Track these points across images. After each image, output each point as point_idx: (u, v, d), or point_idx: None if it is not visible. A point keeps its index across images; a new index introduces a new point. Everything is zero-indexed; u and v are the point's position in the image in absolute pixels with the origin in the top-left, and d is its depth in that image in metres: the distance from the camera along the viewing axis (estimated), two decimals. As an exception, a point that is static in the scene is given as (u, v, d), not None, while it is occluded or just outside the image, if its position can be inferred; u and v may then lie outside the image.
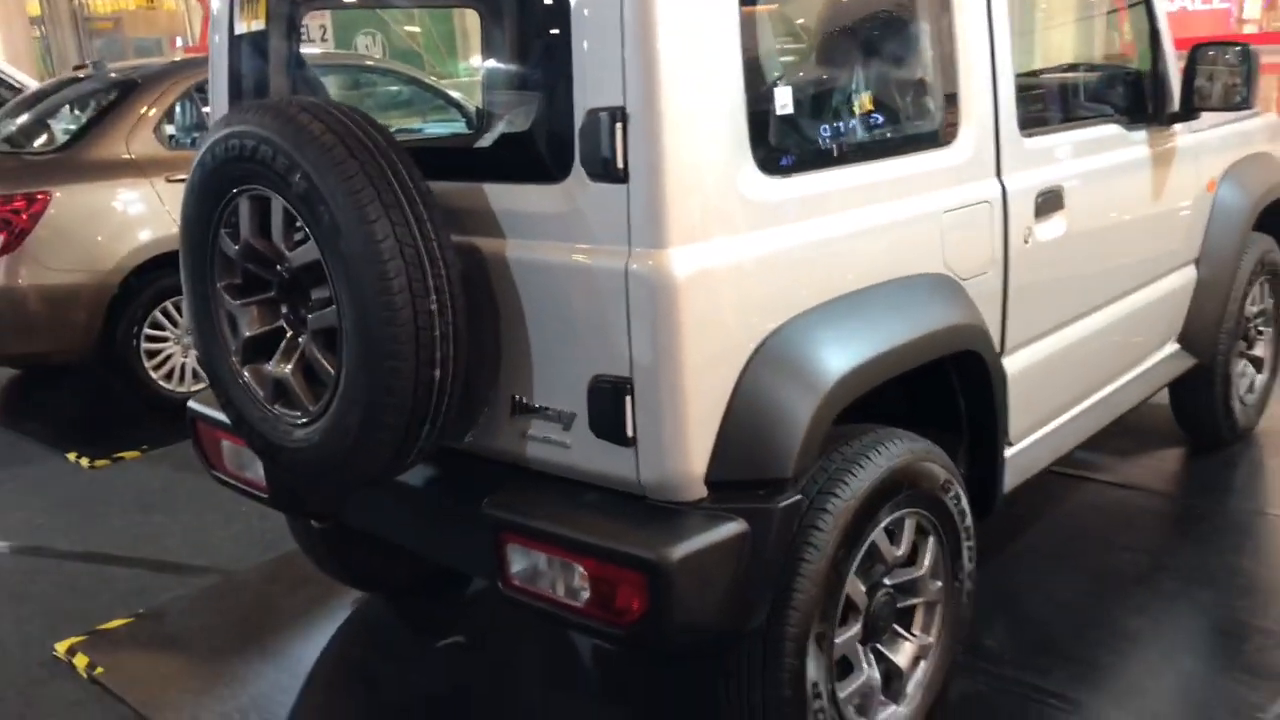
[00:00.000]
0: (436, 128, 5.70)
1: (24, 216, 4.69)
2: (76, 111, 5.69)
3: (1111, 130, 3.08)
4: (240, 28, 2.65)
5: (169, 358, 5.05)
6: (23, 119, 5.70)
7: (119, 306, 4.86)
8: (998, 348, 2.63)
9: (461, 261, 2.07)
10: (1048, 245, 2.73)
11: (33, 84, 7.94)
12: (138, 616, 3.34)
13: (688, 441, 1.96)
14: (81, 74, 5.90)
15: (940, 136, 2.44)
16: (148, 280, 4.89)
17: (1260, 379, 4.11)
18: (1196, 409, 3.89)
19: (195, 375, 5.04)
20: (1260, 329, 4.05)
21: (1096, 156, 2.98)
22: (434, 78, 6.49)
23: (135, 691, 2.95)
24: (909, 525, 2.33)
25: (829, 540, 2.07)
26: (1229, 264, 3.62)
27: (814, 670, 2.13)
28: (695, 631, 1.97)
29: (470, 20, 2.98)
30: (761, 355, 2.02)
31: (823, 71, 2.45)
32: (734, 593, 1.97)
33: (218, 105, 2.75)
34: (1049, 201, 2.72)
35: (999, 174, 2.56)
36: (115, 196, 4.93)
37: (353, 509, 2.64)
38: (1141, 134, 3.17)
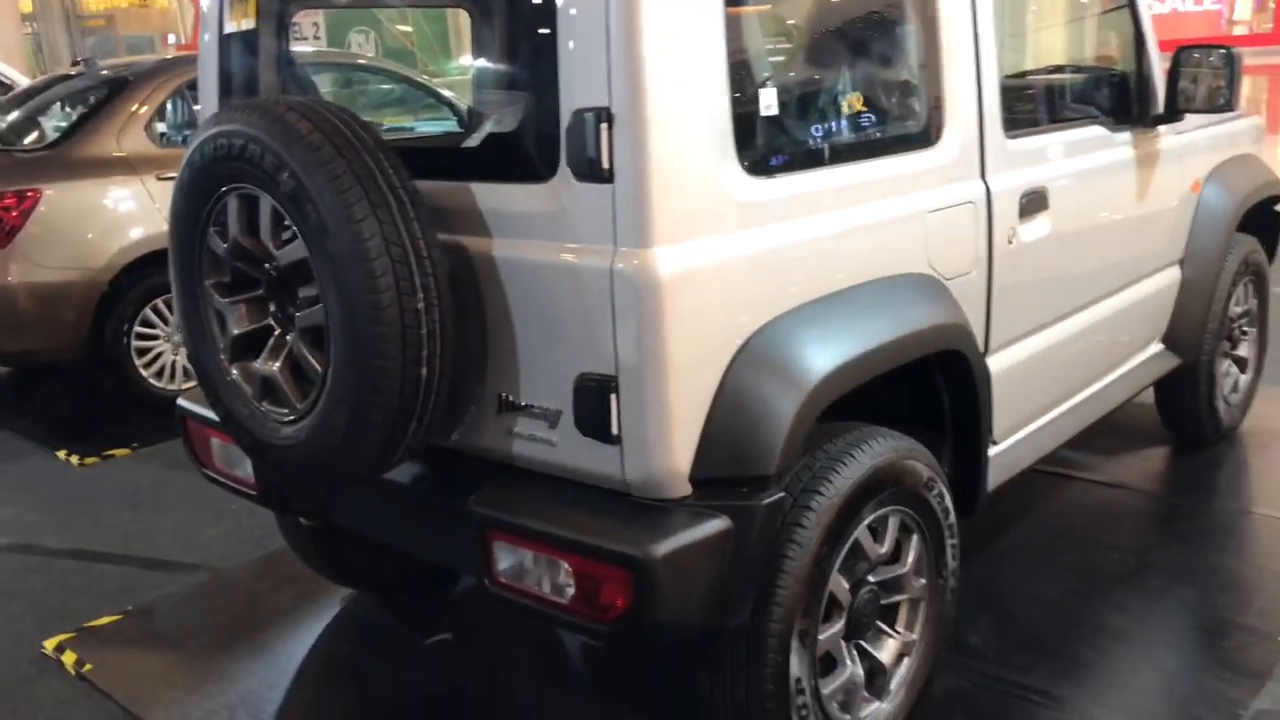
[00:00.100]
0: (428, 126, 5.70)
1: (14, 214, 4.69)
2: (67, 109, 5.69)
3: (1096, 132, 3.11)
4: (230, 26, 2.67)
5: (159, 355, 5.06)
6: (13, 116, 5.70)
7: (109, 304, 4.87)
8: (982, 347, 2.66)
9: (449, 260, 2.09)
10: (1032, 246, 2.75)
11: (24, 81, 7.94)
12: (126, 614, 3.35)
13: (672, 439, 1.98)
14: (74, 71, 5.89)
15: (925, 137, 2.46)
16: (138, 278, 4.89)
17: (1244, 379, 4.14)
18: (1181, 408, 3.92)
19: (186, 373, 5.04)
20: (1244, 329, 4.08)
21: (1081, 158, 3.00)
22: (426, 76, 6.49)
23: (123, 688, 2.96)
24: (892, 523, 2.35)
25: (812, 537, 2.09)
26: (1213, 265, 3.65)
27: (797, 666, 2.14)
28: (679, 628, 1.99)
29: (463, 19, 2.99)
30: (745, 354, 2.03)
31: (807, 72, 2.46)
32: (717, 589, 1.98)
33: (207, 104, 2.76)
34: (1033, 202, 2.74)
35: (983, 175, 2.58)
36: (106, 194, 4.93)
37: (340, 507, 2.65)
38: (1126, 135, 3.19)
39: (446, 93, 5.98)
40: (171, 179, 2.30)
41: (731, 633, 2.09)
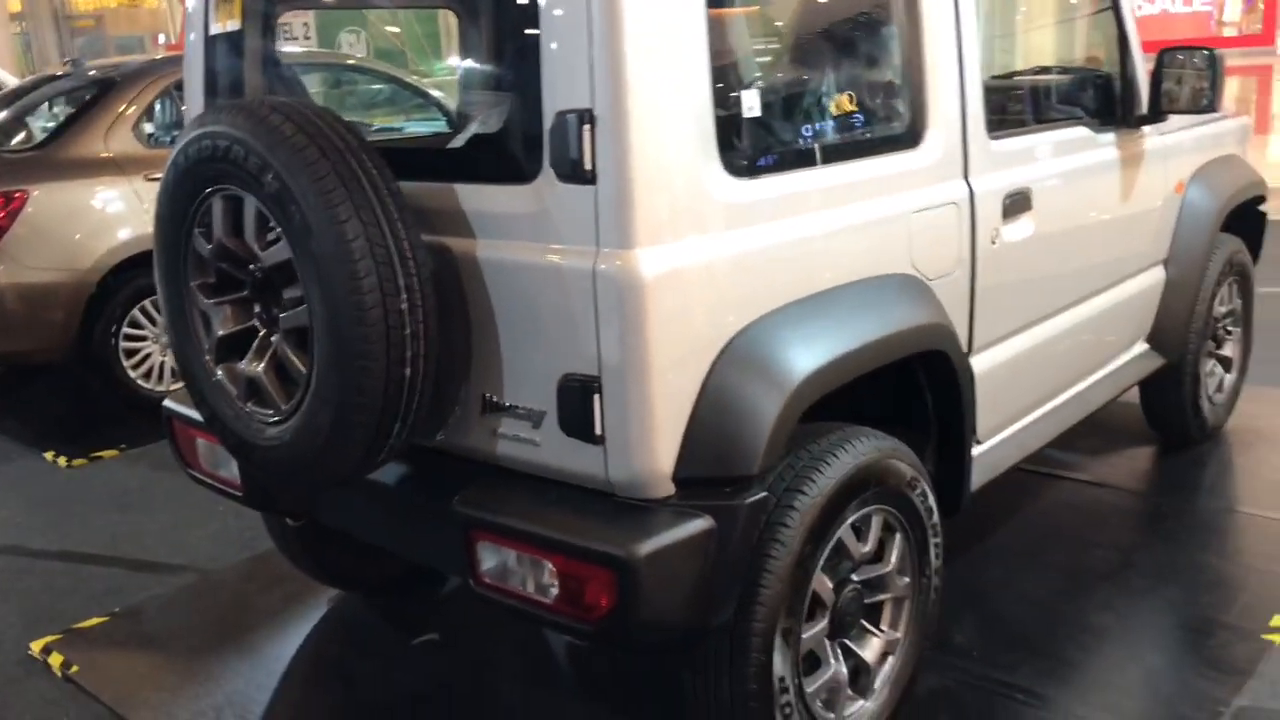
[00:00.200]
0: (417, 127, 5.70)
1: (1, 215, 4.68)
2: (55, 109, 5.68)
3: (1080, 133, 3.12)
4: (215, 27, 2.67)
5: (147, 357, 5.05)
6: (0, 117, 5.68)
7: (97, 305, 4.87)
8: (965, 347, 2.67)
9: (433, 261, 2.10)
10: (1015, 246, 2.77)
11: (12, 81, 7.92)
12: (113, 615, 3.35)
13: (655, 439, 1.99)
14: (62, 71, 5.89)
15: (908, 139, 2.47)
16: (126, 279, 4.89)
17: (1229, 378, 4.17)
18: (1166, 408, 3.94)
19: (174, 374, 5.04)
20: (1229, 329, 4.10)
21: (1064, 158, 3.02)
22: (416, 77, 6.49)
23: (110, 689, 2.96)
24: (876, 522, 2.36)
25: (795, 537, 2.10)
26: (1197, 265, 3.67)
27: (780, 665, 2.15)
28: (662, 627, 1.99)
29: (453, 21, 3.00)
30: (728, 354, 2.04)
31: (790, 74, 2.47)
32: (700, 589, 1.99)
33: (193, 105, 2.77)
34: (1016, 203, 2.75)
35: (966, 176, 2.60)
36: (93, 195, 4.93)
37: (326, 507, 2.65)
38: (1110, 136, 3.21)
39: (436, 93, 5.97)
40: (159, 180, 2.30)
41: (715, 632, 2.10)
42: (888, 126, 2.49)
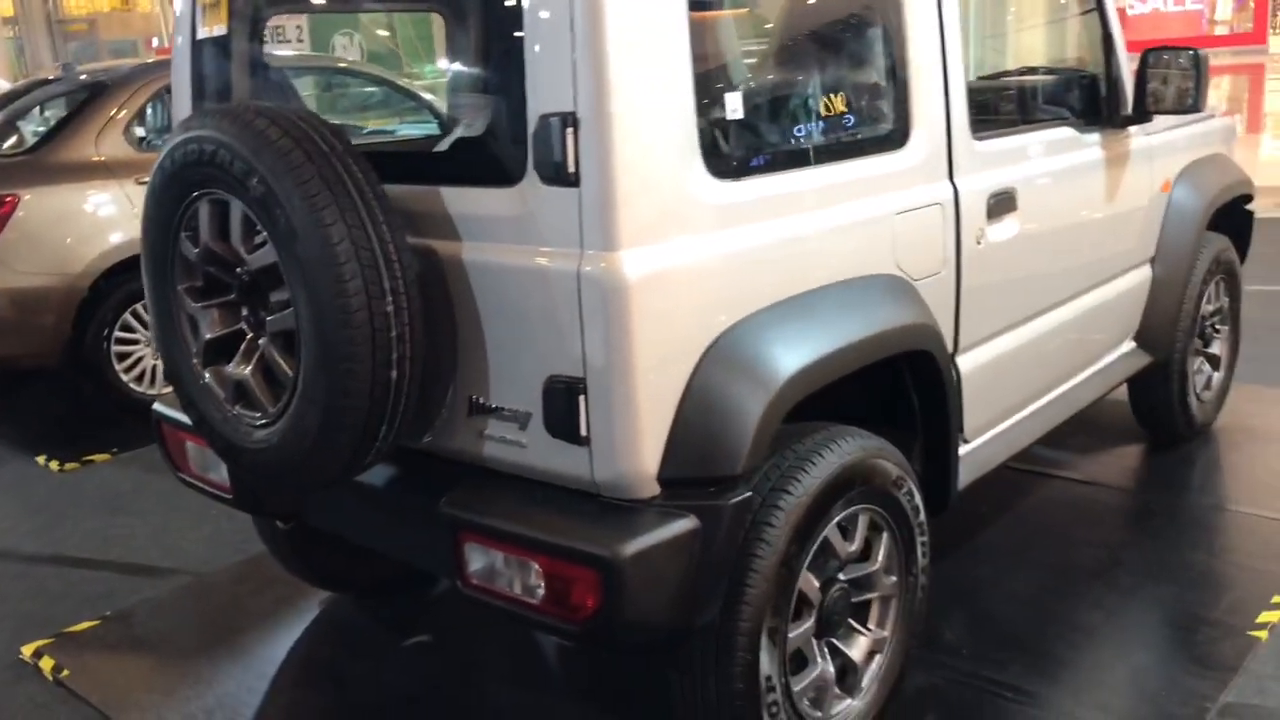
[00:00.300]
0: (410, 129, 5.71)
1: (-8, 219, 4.69)
2: (46, 113, 5.68)
3: (1065, 133, 3.14)
4: (202, 31, 2.67)
5: (139, 360, 5.05)
6: (-8, 121, 5.69)
7: (89, 309, 4.86)
8: (951, 347, 2.68)
9: (420, 264, 2.11)
10: (1000, 246, 2.78)
11: (4, 85, 7.92)
12: (105, 619, 3.35)
13: (640, 440, 2.00)
14: (53, 75, 5.89)
15: (892, 140, 2.48)
16: (117, 283, 4.88)
17: (1217, 376, 4.18)
18: (1154, 406, 3.95)
19: (165, 378, 5.04)
20: (1217, 327, 4.12)
21: (1050, 159, 3.03)
22: (408, 80, 6.50)
23: (100, 693, 2.96)
24: (862, 521, 2.38)
25: (781, 536, 2.11)
26: (1184, 263, 3.69)
27: (767, 664, 2.16)
28: (647, 627, 2.00)
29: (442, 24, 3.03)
30: (712, 355, 2.06)
31: (773, 76, 2.49)
32: (686, 588, 2.00)
33: (181, 109, 2.77)
34: (1001, 203, 2.77)
35: (951, 176, 2.61)
36: (85, 199, 4.93)
37: (316, 509, 2.66)
38: (1095, 136, 3.22)
39: (427, 96, 5.98)
40: (150, 183, 2.31)
41: (701, 631, 2.11)
42: (871, 128, 2.50)
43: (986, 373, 2.85)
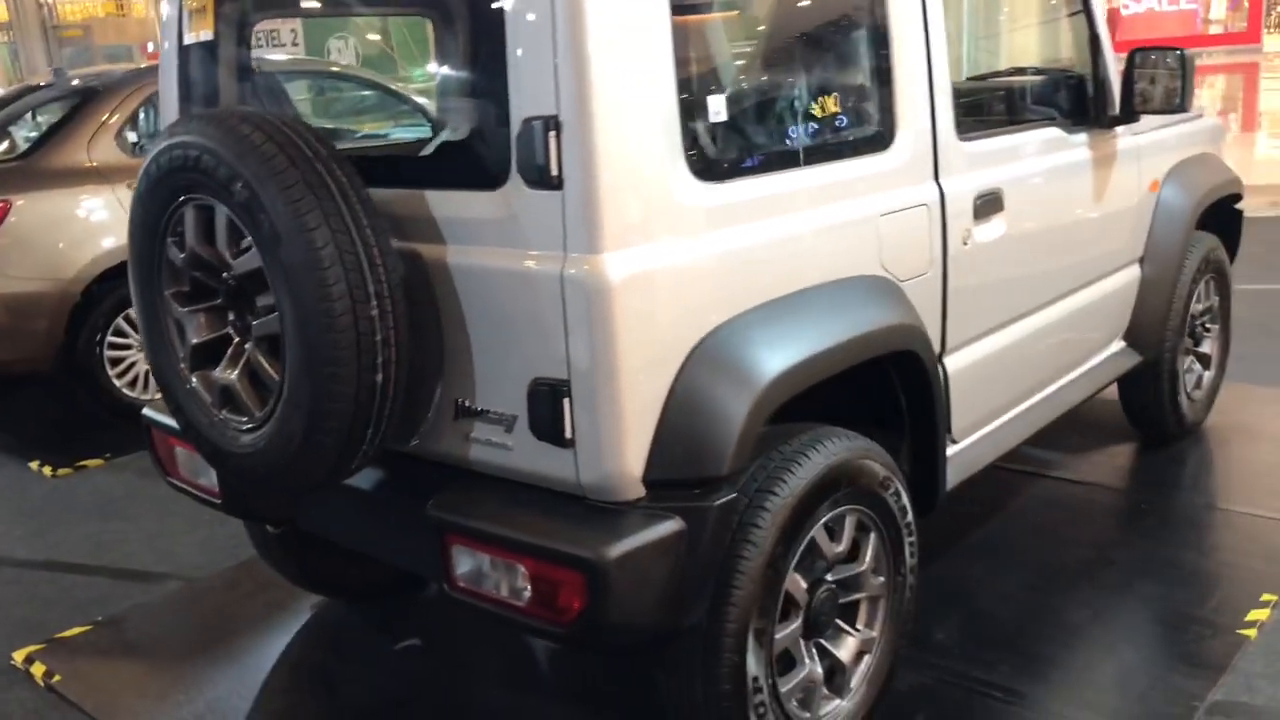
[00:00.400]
0: (403, 133, 5.71)
1: (-16, 225, 4.69)
2: (38, 119, 5.68)
3: (1052, 133, 3.14)
4: (189, 37, 2.68)
5: (132, 365, 5.05)
6: (-17, 127, 5.69)
7: (82, 314, 4.86)
8: (938, 347, 2.69)
9: (405, 268, 2.11)
10: (987, 246, 2.79)
11: (-1, 90, 7.92)
12: (97, 624, 3.35)
13: (624, 442, 2.00)
14: (44, 81, 5.89)
15: (877, 141, 2.49)
16: (110, 288, 4.88)
17: (1208, 375, 4.19)
18: (1145, 405, 3.96)
19: (159, 382, 5.04)
20: (1207, 326, 4.13)
21: (1036, 159, 3.04)
22: (400, 84, 6.50)
23: (92, 698, 2.96)
24: (849, 522, 2.38)
25: (767, 537, 2.12)
26: (1173, 263, 3.69)
27: (754, 665, 2.17)
28: (633, 629, 2.01)
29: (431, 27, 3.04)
30: (697, 357, 2.06)
31: (757, 78, 2.49)
32: (671, 590, 2.01)
33: (168, 113, 2.78)
34: (988, 204, 2.77)
35: (936, 177, 2.62)
36: (77, 204, 4.93)
37: (305, 513, 2.66)
38: (1082, 137, 3.23)
39: (419, 100, 5.99)
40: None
41: (687, 633, 2.12)
42: (856, 129, 2.51)
43: (974, 373, 2.85)
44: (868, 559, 2.45)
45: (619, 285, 1.94)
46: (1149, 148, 3.55)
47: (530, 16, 1.94)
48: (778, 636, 2.25)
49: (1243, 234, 4.24)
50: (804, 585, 2.31)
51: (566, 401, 2.01)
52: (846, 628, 2.46)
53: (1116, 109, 3.28)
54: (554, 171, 1.93)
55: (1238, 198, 4.07)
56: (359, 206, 2.03)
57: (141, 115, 5.34)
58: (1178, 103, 3.20)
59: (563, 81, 1.91)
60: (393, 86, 6.15)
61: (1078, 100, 3.28)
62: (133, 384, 5.06)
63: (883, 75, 2.49)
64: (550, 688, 3.03)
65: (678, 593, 2.02)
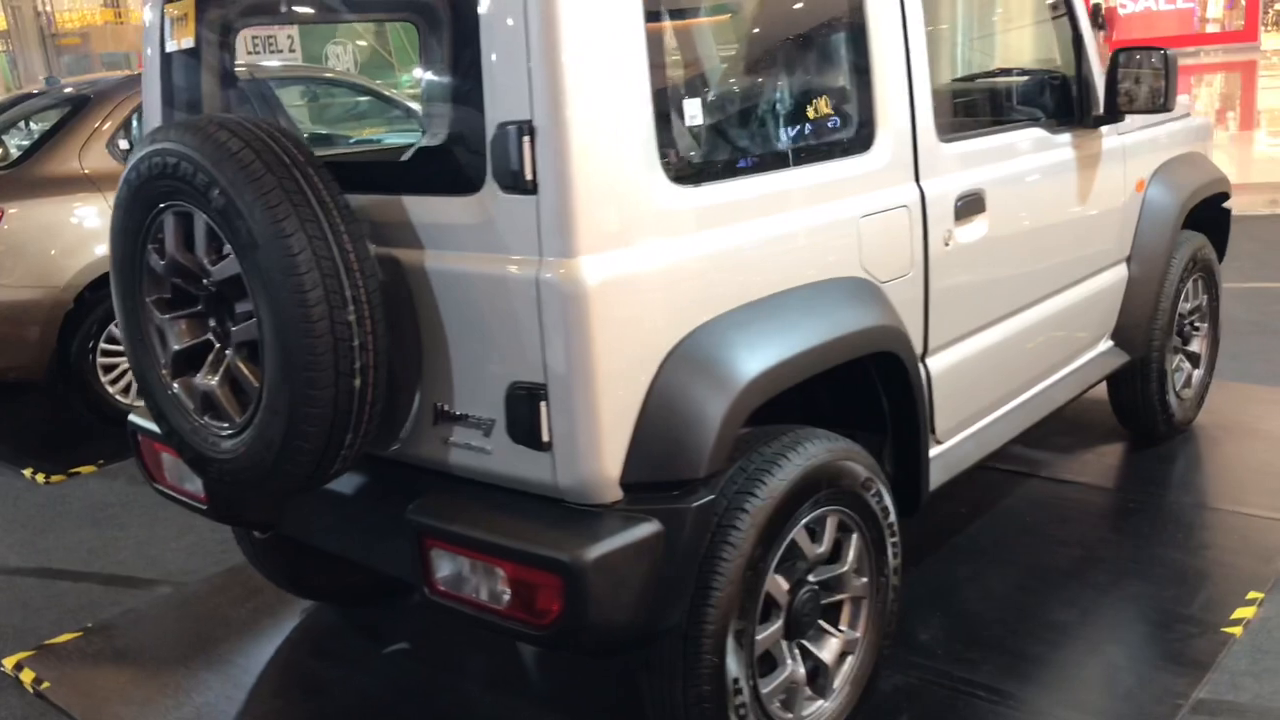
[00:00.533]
0: (394, 139, 5.72)
1: (-24, 233, 4.70)
2: (30, 127, 5.69)
3: (1035, 134, 3.15)
4: (171, 45, 2.69)
5: (125, 372, 5.06)
6: (-23, 135, 5.71)
7: (74, 321, 4.87)
8: (920, 348, 2.69)
9: (384, 273, 2.12)
10: (969, 247, 2.79)
11: (-3, 98, 7.93)
12: (86, 631, 3.36)
13: (601, 445, 2.01)
14: (37, 89, 5.90)
15: (856, 143, 2.49)
16: (102, 295, 4.88)
17: (1197, 374, 4.19)
18: (1133, 404, 3.96)
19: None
20: (1195, 325, 4.13)
21: (1019, 160, 3.04)
22: (392, 89, 6.51)
23: (80, 705, 2.97)
24: (831, 523, 2.38)
25: (746, 539, 2.12)
26: (1160, 262, 3.69)
27: (735, 666, 2.17)
28: (611, 630, 2.01)
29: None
30: (674, 360, 2.07)
31: (733, 81, 2.50)
32: (649, 592, 2.01)
33: (151, 121, 2.79)
34: (970, 205, 2.78)
35: (917, 179, 2.62)
36: (69, 211, 4.94)
37: (289, 519, 2.67)
38: (1066, 137, 3.23)
39: (410, 104, 6.00)
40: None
41: (667, 634, 2.12)
42: (835, 131, 2.51)
43: (958, 374, 2.86)
44: (850, 560, 2.45)
45: (594, 289, 1.94)
46: (1135, 147, 3.55)
47: (505, 21, 1.95)
48: (759, 638, 2.25)
49: (1233, 232, 4.24)
50: (785, 586, 2.32)
51: (544, 405, 2.01)
52: (829, 629, 2.46)
53: (1101, 109, 3.28)
54: (528, 176, 1.94)
55: (1225, 196, 4.07)
56: (336, 212, 2.03)
57: (134, 123, 5.35)
58: (1162, 102, 3.20)
59: (537, 86, 1.91)
60: (386, 92, 6.16)
61: (1062, 100, 3.28)
62: (125, 391, 5.07)
63: (862, 77, 2.49)
64: (537, 691, 3.04)
65: (656, 595, 2.03)
